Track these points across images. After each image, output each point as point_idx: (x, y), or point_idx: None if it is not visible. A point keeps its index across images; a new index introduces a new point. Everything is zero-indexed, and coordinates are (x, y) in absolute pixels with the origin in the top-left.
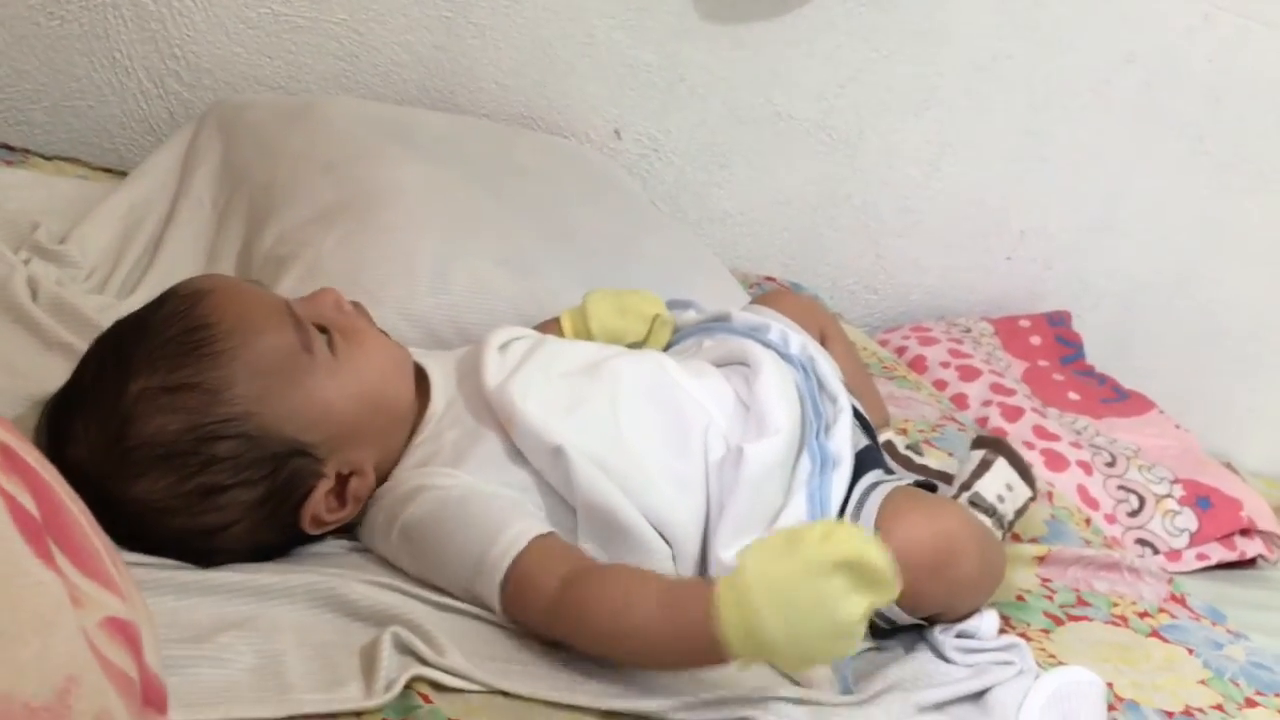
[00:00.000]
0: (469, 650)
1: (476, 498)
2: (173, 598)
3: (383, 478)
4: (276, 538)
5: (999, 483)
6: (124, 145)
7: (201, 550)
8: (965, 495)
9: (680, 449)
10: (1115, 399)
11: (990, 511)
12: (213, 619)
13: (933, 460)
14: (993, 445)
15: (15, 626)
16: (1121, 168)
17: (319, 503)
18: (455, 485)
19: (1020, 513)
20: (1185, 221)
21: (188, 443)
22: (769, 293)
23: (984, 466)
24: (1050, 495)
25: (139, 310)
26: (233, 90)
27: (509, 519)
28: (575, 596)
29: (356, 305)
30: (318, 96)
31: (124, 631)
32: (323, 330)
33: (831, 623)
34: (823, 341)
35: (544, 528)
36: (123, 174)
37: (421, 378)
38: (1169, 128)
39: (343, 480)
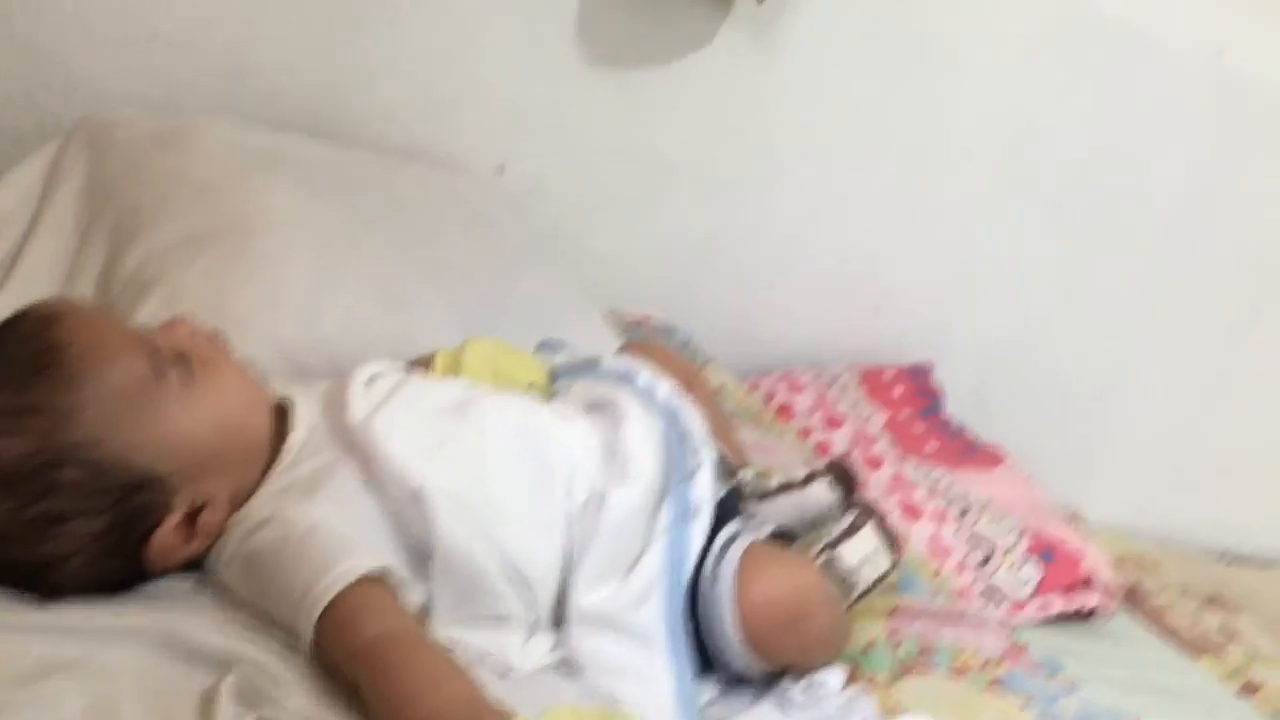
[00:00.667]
0: (317, 690)
1: (321, 531)
2: None
3: (238, 507)
4: (119, 572)
5: (861, 550)
6: None
7: (39, 582)
8: (825, 556)
9: (544, 492)
10: (970, 451)
11: (843, 578)
12: (41, 662)
13: (779, 477)
14: (865, 509)
15: None
16: (984, 229)
17: (165, 536)
18: (303, 520)
19: (880, 581)
20: (1041, 282)
21: (31, 467)
22: (636, 341)
23: (851, 530)
24: (902, 546)
25: None
26: (105, 106)
27: (344, 555)
28: (377, 660)
29: (214, 335)
30: (194, 119)
31: None
32: (177, 359)
33: None
34: (686, 390)
35: (378, 563)
36: None
37: (284, 409)
38: (1030, 192)
39: (193, 513)
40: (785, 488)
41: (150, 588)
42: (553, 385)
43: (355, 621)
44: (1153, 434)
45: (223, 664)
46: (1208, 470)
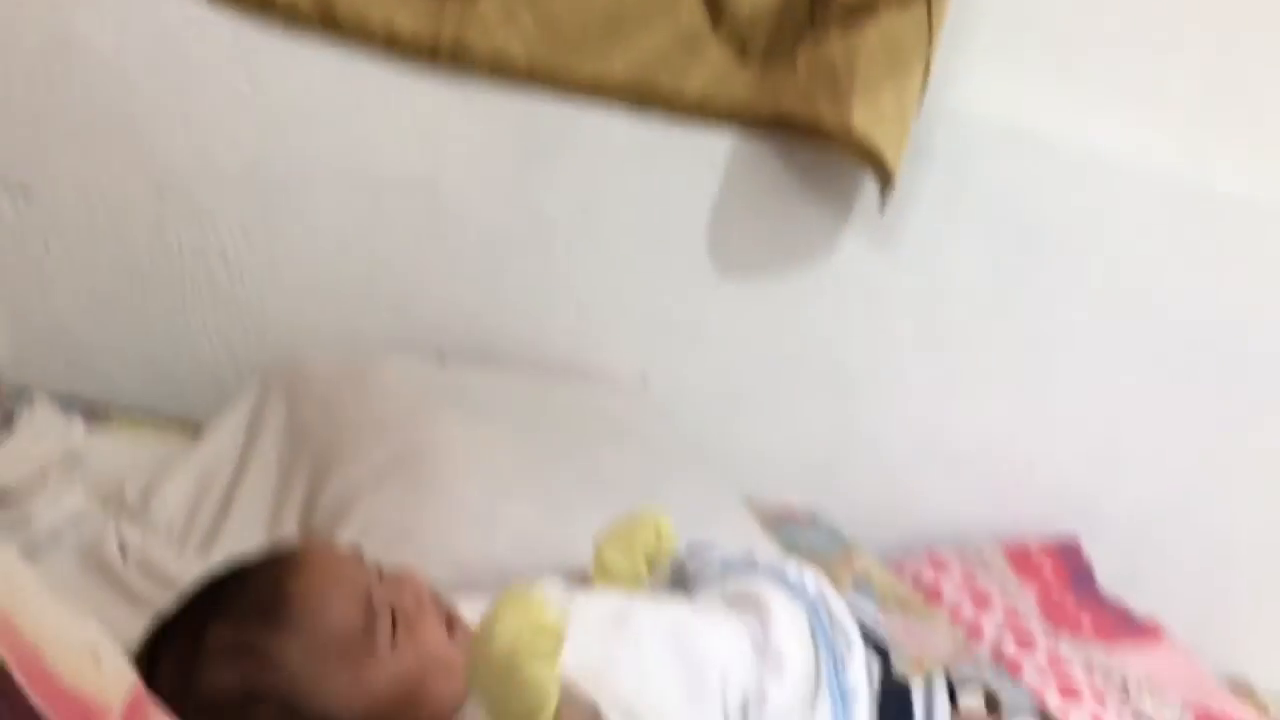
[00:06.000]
0: None
1: None
2: None
3: None
4: None
5: None
6: (192, 393)
7: None
8: None
9: (699, 699)
10: (1127, 626)
11: None
12: None
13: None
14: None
15: None
16: (1120, 400)
17: None
18: None
19: None
20: (1186, 451)
21: (233, 701)
22: None
23: None
24: None
25: (245, 561)
26: (293, 346)
27: None
28: None
29: (436, 598)
30: (372, 360)
31: None
32: (390, 617)
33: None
34: None
35: None
36: (189, 422)
37: None
38: (1161, 360)
39: None
40: None
41: None
42: (706, 579)
43: None
44: None
45: None
46: None
